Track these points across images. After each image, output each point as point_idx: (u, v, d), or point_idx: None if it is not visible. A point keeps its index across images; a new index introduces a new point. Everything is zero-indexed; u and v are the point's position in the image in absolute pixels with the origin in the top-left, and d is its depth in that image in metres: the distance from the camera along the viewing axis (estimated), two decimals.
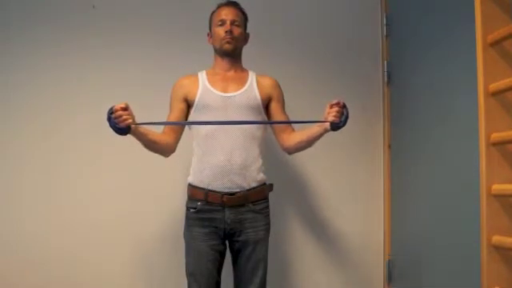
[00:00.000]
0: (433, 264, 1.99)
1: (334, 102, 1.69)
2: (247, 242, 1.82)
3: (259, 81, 1.90)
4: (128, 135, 1.66)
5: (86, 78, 2.27)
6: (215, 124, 1.78)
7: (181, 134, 1.89)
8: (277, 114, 1.91)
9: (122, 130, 1.62)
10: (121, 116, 1.59)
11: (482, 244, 1.37)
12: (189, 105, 1.87)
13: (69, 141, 2.24)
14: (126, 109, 1.60)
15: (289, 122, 1.94)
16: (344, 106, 1.69)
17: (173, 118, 1.86)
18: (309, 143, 1.85)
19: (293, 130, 1.93)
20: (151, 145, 1.78)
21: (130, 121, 1.61)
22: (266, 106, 1.92)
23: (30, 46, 2.25)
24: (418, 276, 2.16)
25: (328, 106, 1.70)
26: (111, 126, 1.60)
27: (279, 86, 1.95)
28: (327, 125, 1.71)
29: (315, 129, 1.78)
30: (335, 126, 1.70)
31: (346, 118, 1.69)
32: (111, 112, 1.59)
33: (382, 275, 2.43)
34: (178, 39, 2.33)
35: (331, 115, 1.68)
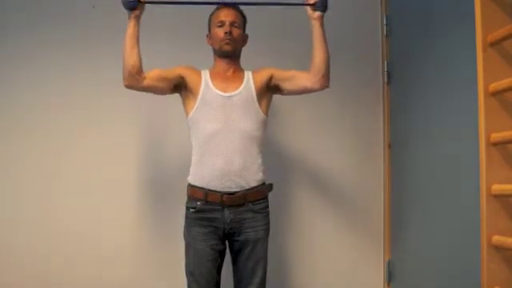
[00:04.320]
0: (433, 264, 1.99)
1: None
2: (247, 241, 1.82)
3: (254, 75, 1.90)
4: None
5: (86, 78, 2.27)
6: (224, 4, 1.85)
7: (153, 84, 1.83)
8: (283, 74, 1.89)
9: (132, 2, 1.66)
10: None
11: (482, 244, 1.37)
12: (186, 92, 1.87)
13: (68, 139, 2.24)
14: None
15: (269, 4, 1.93)
16: None
17: (161, 70, 1.84)
18: (322, 46, 1.77)
19: (305, 70, 1.85)
20: (132, 43, 1.76)
21: None
22: (269, 86, 1.89)
23: (29, 46, 2.25)
24: (418, 276, 2.16)
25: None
26: None
27: (273, 67, 1.94)
28: (314, 13, 1.70)
29: (313, 29, 1.75)
30: (319, 5, 1.69)
31: None
32: None
33: (381, 275, 2.43)
34: (178, 39, 2.33)
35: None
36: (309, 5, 1.68)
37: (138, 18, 1.73)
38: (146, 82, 1.81)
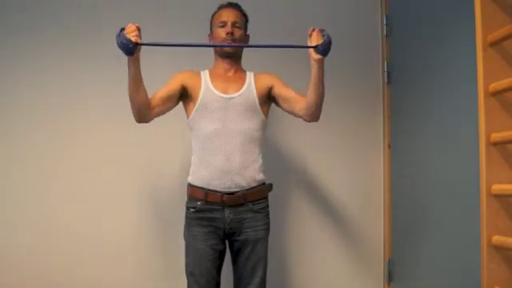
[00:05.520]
0: (433, 264, 1.99)
1: (310, 30, 1.67)
2: (247, 241, 1.82)
3: (257, 79, 1.90)
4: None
5: (86, 78, 2.27)
6: (217, 47, 1.83)
7: (163, 109, 1.82)
8: (283, 93, 1.87)
9: (130, 46, 1.56)
10: (134, 31, 1.58)
11: (482, 244, 1.37)
12: (187, 97, 1.86)
13: (68, 139, 2.24)
14: (139, 29, 1.60)
15: (272, 46, 1.91)
16: (322, 30, 1.66)
17: (161, 93, 1.80)
18: (317, 88, 1.73)
19: (303, 95, 1.84)
20: (137, 88, 1.69)
21: (140, 40, 1.59)
22: (269, 97, 1.89)
23: (29, 46, 2.25)
24: (418, 276, 2.16)
25: (308, 36, 1.68)
26: (120, 40, 1.57)
27: (276, 75, 1.93)
28: (315, 55, 1.66)
29: (312, 70, 1.71)
30: (322, 48, 1.64)
31: (329, 36, 1.63)
32: (123, 28, 1.58)
33: (382, 275, 2.43)
34: (178, 39, 2.32)
35: (313, 40, 1.66)
36: (311, 47, 1.65)
37: (137, 60, 1.65)
38: (155, 112, 1.80)
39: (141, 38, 1.60)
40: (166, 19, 2.34)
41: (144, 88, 1.72)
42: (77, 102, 2.26)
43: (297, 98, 1.84)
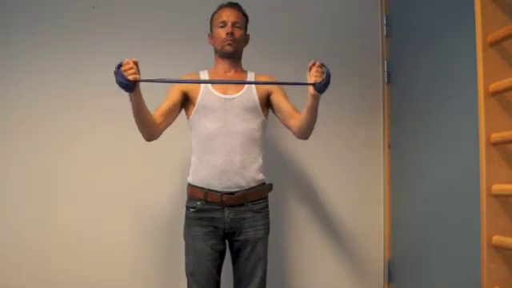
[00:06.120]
0: (433, 264, 1.99)
1: (310, 63, 1.65)
2: (247, 241, 1.82)
3: (257, 79, 1.90)
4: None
5: (86, 78, 2.26)
6: (216, 83, 1.79)
7: (169, 122, 1.85)
8: (280, 104, 1.88)
9: (128, 84, 1.55)
10: (131, 68, 1.55)
11: (482, 244, 1.37)
12: (188, 101, 1.87)
13: (68, 139, 2.24)
14: (136, 64, 1.57)
15: (272, 83, 1.89)
16: (322, 65, 1.64)
17: (164, 106, 1.82)
18: (311, 115, 1.75)
19: (298, 112, 1.86)
20: (142, 115, 1.70)
21: (138, 76, 1.57)
22: (268, 101, 1.90)
23: (29, 46, 2.25)
24: (418, 276, 2.16)
25: (307, 69, 1.65)
26: (118, 79, 1.55)
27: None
28: (312, 90, 1.65)
29: (308, 100, 1.72)
30: (319, 87, 1.63)
31: (328, 75, 1.61)
32: (120, 65, 1.55)
33: (382, 275, 2.43)
34: (178, 39, 2.33)
35: (312, 77, 1.63)
36: (309, 84, 1.64)
37: (138, 94, 1.63)
38: (162, 127, 1.82)
39: (140, 73, 1.57)
40: (166, 19, 2.34)
41: (148, 112, 1.73)
42: (77, 101, 2.26)
43: (292, 114, 1.86)
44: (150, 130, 1.76)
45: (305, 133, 1.85)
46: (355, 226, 2.42)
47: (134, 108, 1.67)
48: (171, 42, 2.32)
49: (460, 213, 1.78)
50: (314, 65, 1.64)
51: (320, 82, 1.62)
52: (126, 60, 1.55)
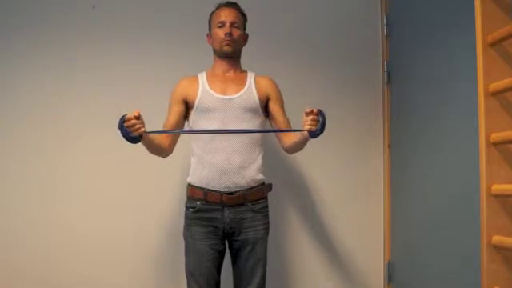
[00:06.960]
0: (433, 265, 1.99)
1: (309, 110, 1.63)
2: (246, 241, 1.82)
3: (257, 81, 1.91)
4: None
5: (85, 78, 2.26)
6: (217, 133, 1.79)
7: (178, 137, 1.90)
8: (276, 116, 1.91)
9: (134, 138, 1.60)
10: (134, 125, 1.57)
11: (482, 244, 1.37)
12: (188, 106, 1.88)
13: (68, 139, 2.24)
14: (138, 117, 1.58)
15: (267, 131, 1.97)
16: (319, 113, 1.63)
17: (171, 121, 1.86)
18: (302, 144, 1.81)
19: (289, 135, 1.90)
20: (153, 149, 1.79)
21: (143, 129, 1.60)
22: (266, 105, 1.91)
23: (29, 46, 2.25)
24: (418, 276, 2.16)
25: (304, 113, 1.65)
26: (123, 134, 1.58)
27: (277, 86, 1.94)
28: (306, 133, 1.67)
29: (300, 135, 1.76)
30: (313, 135, 1.66)
31: (323, 125, 1.62)
32: (123, 121, 1.57)
33: (381, 276, 2.43)
34: (178, 39, 2.33)
35: (307, 124, 1.64)
36: (304, 131, 1.65)
37: (147, 140, 1.67)
38: (172, 144, 1.88)
39: (144, 125, 1.60)
40: (166, 19, 2.34)
41: (158, 142, 1.78)
42: (77, 102, 2.26)
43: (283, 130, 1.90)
44: (162, 154, 1.86)
45: (291, 152, 1.96)
46: (355, 227, 2.42)
47: (145, 147, 1.74)
48: (171, 42, 2.32)
49: (460, 213, 1.78)
50: (311, 112, 1.63)
51: (314, 131, 1.64)
52: (128, 116, 1.57)
